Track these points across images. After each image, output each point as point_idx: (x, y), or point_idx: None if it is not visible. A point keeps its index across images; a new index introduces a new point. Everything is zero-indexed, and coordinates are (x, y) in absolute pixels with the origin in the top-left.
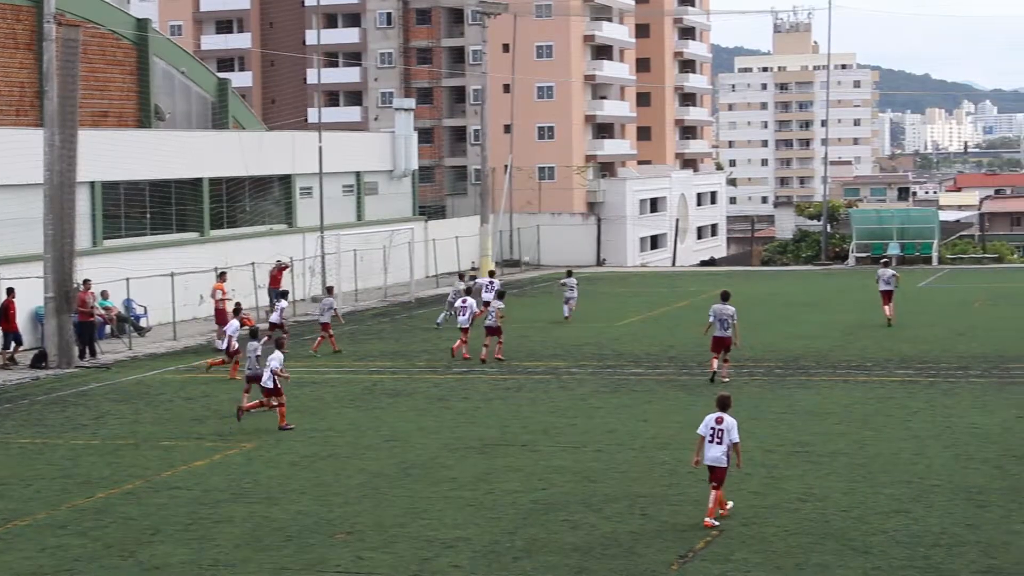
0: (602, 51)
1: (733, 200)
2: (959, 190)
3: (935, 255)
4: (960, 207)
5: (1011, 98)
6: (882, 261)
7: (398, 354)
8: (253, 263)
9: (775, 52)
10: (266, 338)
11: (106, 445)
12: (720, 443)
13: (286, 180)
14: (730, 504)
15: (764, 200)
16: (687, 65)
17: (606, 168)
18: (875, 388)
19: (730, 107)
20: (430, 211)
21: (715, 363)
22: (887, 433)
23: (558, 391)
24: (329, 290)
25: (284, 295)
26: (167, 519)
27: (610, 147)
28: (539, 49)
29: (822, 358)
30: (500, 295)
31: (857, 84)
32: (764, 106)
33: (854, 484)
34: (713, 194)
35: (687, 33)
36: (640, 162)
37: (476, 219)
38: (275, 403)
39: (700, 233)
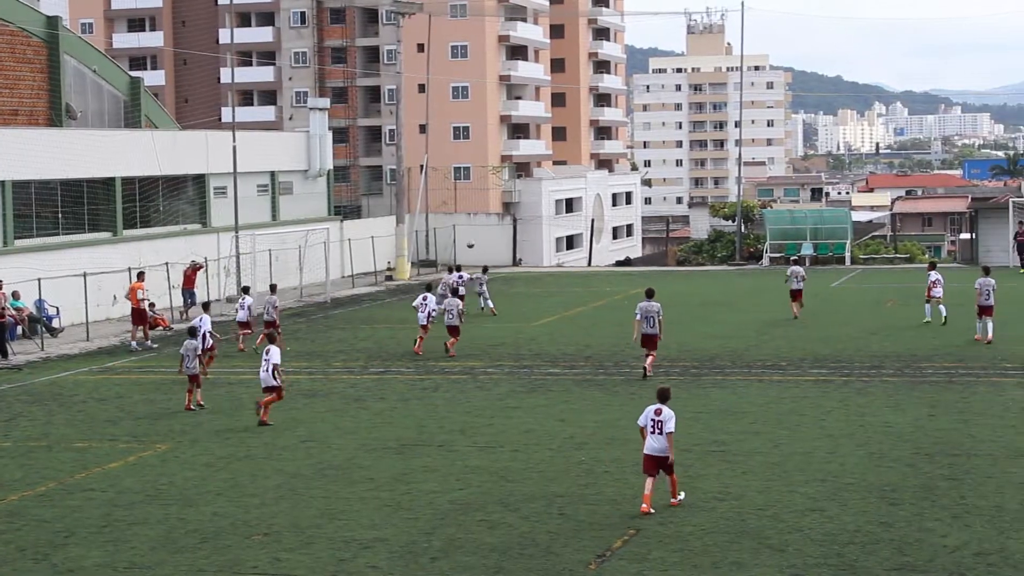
0: (517, 51)
1: (648, 200)
2: (871, 191)
3: (848, 255)
4: (872, 207)
5: (921, 100)
6: (792, 260)
7: (314, 354)
8: (167, 263)
9: (689, 53)
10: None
11: (18, 447)
12: (660, 433)
13: (200, 179)
14: (682, 495)
15: (679, 200)
16: (602, 66)
17: (522, 168)
18: (790, 387)
19: (645, 108)
20: (345, 211)
21: (650, 360)
22: (802, 432)
23: (475, 391)
24: (272, 288)
25: (247, 290)
26: (81, 521)
27: (525, 147)
28: (454, 49)
29: (737, 357)
30: (456, 292)
31: (770, 85)
32: (678, 107)
33: (770, 483)
34: (628, 194)
35: (601, 34)
36: (555, 162)
37: (392, 219)
38: (271, 398)
39: (615, 233)
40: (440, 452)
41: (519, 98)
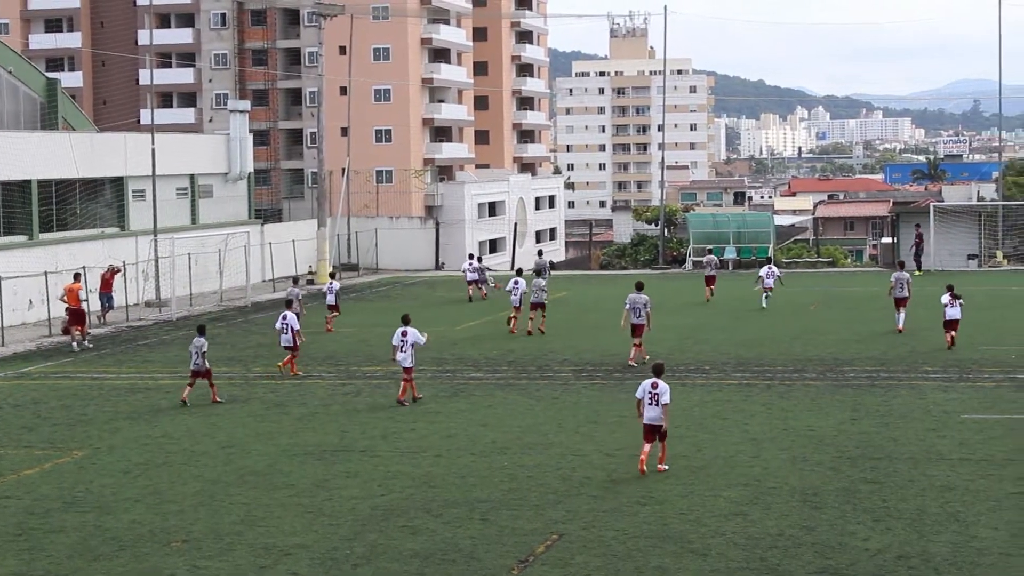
0: (440, 54)
1: (571, 204)
2: (794, 195)
3: (771, 258)
4: (795, 211)
5: (843, 104)
6: (708, 248)
7: (234, 359)
8: (84, 267)
9: (612, 57)
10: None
11: None
12: (656, 405)
13: (118, 182)
14: (666, 467)
15: (602, 204)
16: (525, 69)
17: (444, 172)
18: (712, 391)
19: (568, 111)
20: (266, 214)
21: (634, 351)
22: (725, 436)
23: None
24: (295, 280)
25: (333, 276)
26: None
27: (448, 151)
28: (376, 51)
29: (645, 368)
30: (539, 272)
31: (693, 89)
32: (601, 110)
33: (692, 487)
34: (551, 198)
35: (524, 37)
36: (478, 166)
37: (313, 222)
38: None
39: (539, 237)
40: (362, 458)
41: (442, 101)
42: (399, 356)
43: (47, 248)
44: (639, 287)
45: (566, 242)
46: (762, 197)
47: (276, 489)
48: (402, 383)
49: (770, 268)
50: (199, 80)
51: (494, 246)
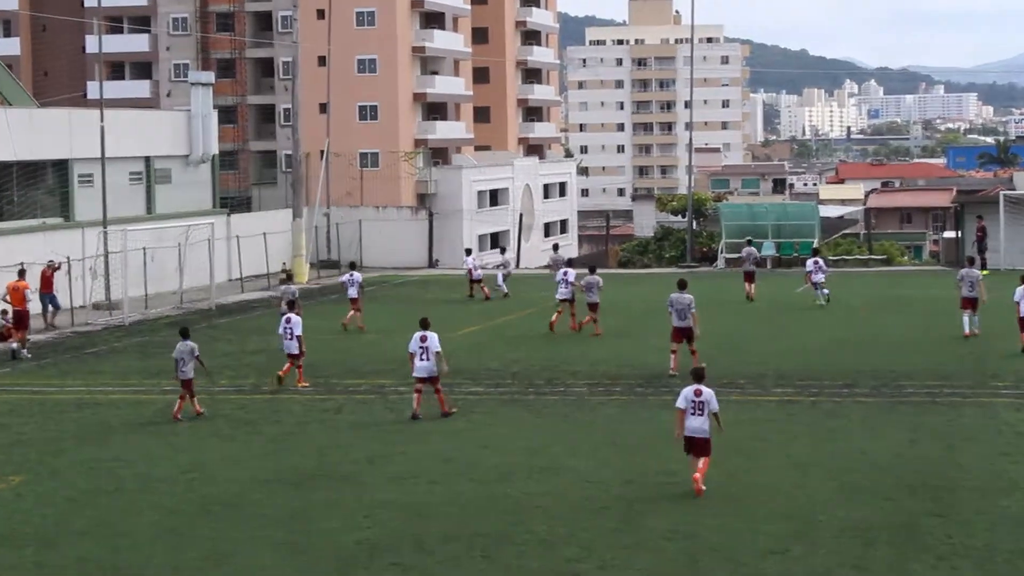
0: (432, 19)
1: (585, 192)
2: (842, 182)
3: (817, 250)
4: (843, 201)
5: (898, 78)
6: (747, 239)
7: (197, 371)
8: (21, 264)
9: (631, 23)
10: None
11: None
12: (701, 414)
13: (62, 166)
14: (703, 487)
15: (621, 192)
16: (531, 36)
17: (438, 155)
18: (749, 409)
19: (580, 85)
20: (233, 203)
21: (673, 357)
22: (764, 461)
23: (385, 413)
24: (352, 265)
25: (353, 266)
26: None
27: (443, 130)
28: (360, 16)
29: (688, 374)
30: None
31: (725, 60)
32: (620, 84)
33: (726, 520)
34: (562, 185)
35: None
36: (478, 148)
37: (288, 213)
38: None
39: (548, 230)
40: (344, 484)
41: (435, 73)
42: (418, 365)
43: None
44: (682, 286)
45: (579, 236)
46: (805, 185)
47: (245, 521)
48: (415, 396)
49: (817, 260)
50: (155, 48)
51: (496, 240)
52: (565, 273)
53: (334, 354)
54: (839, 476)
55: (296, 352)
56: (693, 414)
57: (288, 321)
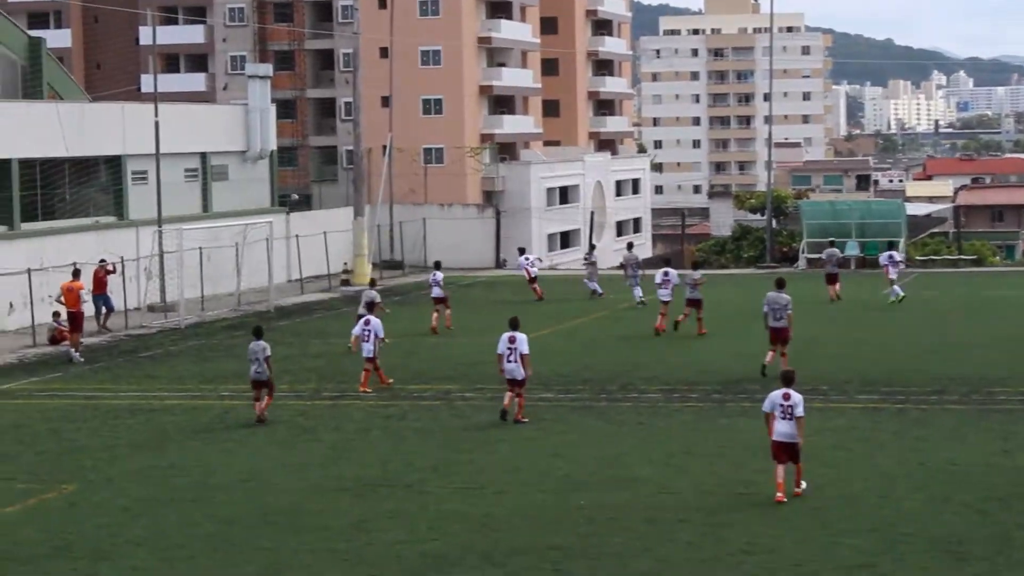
0: (499, 8)
1: (659, 189)
2: (929, 178)
3: (902, 256)
4: (931, 198)
5: (989, 68)
6: (829, 240)
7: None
8: (75, 263)
9: (707, 11)
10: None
11: None
12: (790, 419)
13: (115, 162)
14: (804, 485)
15: (697, 190)
16: (602, 26)
17: (506, 150)
18: (832, 417)
19: (654, 77)
20: (292, 201)
21: (771, 355)
22: (848, 471)
23: (451, 420)
24: (437, 264)
25: (438, 265)
26: None
27: (510, 125)
28: (423, 5)
29: (768, 380)
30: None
31: (806, 51)
32: (695, 76)
33: (808, 533)
34: (635, 182)
35: None
36: (547, 143)
37: (348, 211)
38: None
39: (620, 229)
40: (408, 494)
41: (502, 65)
42: (506, 366)
43: (30, 241)
44: (780, 284)
45: (653, 235)
46: (891, 181)
47: (305, 531)
48: (507, 395)
49: (891, 255)
50: (211, 39)
51: (566, 240)
52: (666, 273)
53: (398, 358)
54: (927, 487)
55: (372, 355)
56: (782, 418)
57: (367, 323)
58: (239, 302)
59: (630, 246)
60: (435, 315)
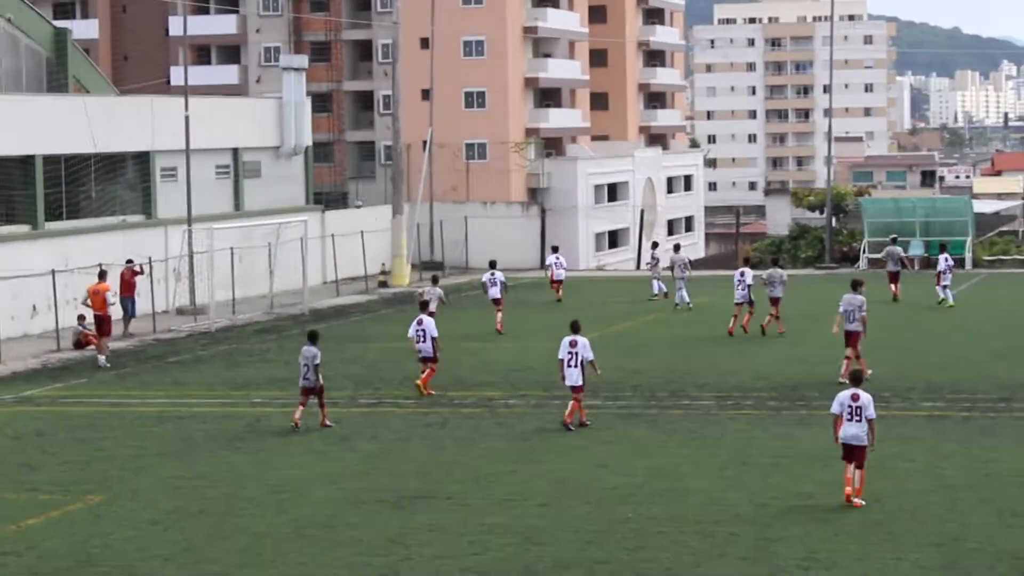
0: None
1: (713, 186)
2: (998, 174)
3: (969, 256)
4: (1000, 195)
5: None
6: (891, 237)
7: (288, 382)
8: (100, 264)
9: None
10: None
11: None
12: (859, 420)
13: (143, 159)
14: (861, 501)
15: (752, 186)
16: (653, 15)
17: (552, 145)
18: (895, 425)
19: (708, 68)
20: (328, 199)
21: (847, 363)
22: (911, 483)
23: (493, 428)
24: (434, 279)
25: (494, 264)
26: None
27: (557, 118)
28: None
29: (827, 386)
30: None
31: (869, 40)
32: (751, 67)
33: (869, 547)
34: (688, 178)
35: None
36: (595, 138)
37: (387, 209)
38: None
39: (672, 228)
40: (449, 507)
41: (548, 56)
42: (567, 372)
43: (55, 241)
44: (856, 286)
45: (706, 234)
46: (957, 177)
47: (340, 545)
48: (570, 403)
49: (946, 258)
50: (244, 30)
51: (615, 239)
52: (742, 273)
53: (439, 364)
54: (994, 500)
55: (431, 355)
56: (850, 420)
57: (420, 323)
58: (272, 305)
59: (677, 247)
60: (499, 315)
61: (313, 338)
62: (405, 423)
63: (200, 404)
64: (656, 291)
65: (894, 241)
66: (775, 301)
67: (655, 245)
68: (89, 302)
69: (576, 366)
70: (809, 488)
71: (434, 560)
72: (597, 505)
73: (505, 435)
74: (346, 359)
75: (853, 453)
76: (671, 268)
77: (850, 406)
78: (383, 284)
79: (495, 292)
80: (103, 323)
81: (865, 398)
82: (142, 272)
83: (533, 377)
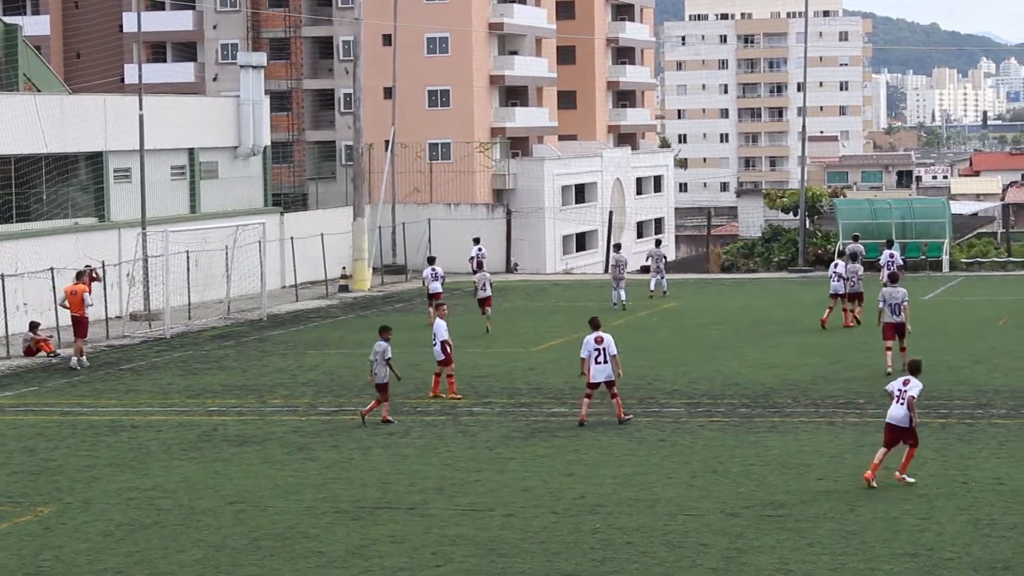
0: None
1: (684, 187)
2: (976, 174)
3: (946, 258)
4: (978, 196)
5: None
6: (852, 236)
7: (246, 389)
8: (52, 268)
9: None
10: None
11: None
12: (902, 403)
13: (96, 159)
14: (910, 479)
15: (724, 187)
16: (623, 10)
17: (518, 145)
18: (869, 432)
19: (679, 66)
20: (287, 200)
21: (889, 355)
22: (885, 491)
23: (456, 437)
24: (431, 260)
25: (432, 260)
26: None
27: (523, 117)
28: None
29: (801, 393)
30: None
31: (844, 36)
32: (723, 65)
33: (843, 558)
34: (657, 179)
35: None
36: (562, 137)
37: (348, 211)
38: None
39: (641, 230)
40: (411, 517)
41: (515, 53)
42: (594, 369)
43: (4, 244)
44: (894, 279)
45: (676, 236)
46: (935, 178)
47: (299, 558)
48: (585, 403)
49: (892, 254)
50: (200, 26)
51: (583, 242)
52: (836, 266)
53: (400, 370)
54: (971, 508)
55: (442, 358)
56: (896, 402)
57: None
58: (229, 310)
59: (617, 247)
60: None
61: (383, 332)
62: (366, 431)
63: (155, 412)
64: (615, 300)
65: (856, 239)
66: (857, 297)
67: (658, 244)
68: (67, 303)
69: (605, 362)
70: (781, 497)
71: (396, 572)
72: (564, 515)
73: (469, 443)
74: (305, 366)
75: (893, 433)
76: (614, 266)
77: (900, 389)
78: (344, 288)
79: (436, 287)
80: (79, 324)
81: (915, 383)
82: (99, 278)
83: (497, 385)
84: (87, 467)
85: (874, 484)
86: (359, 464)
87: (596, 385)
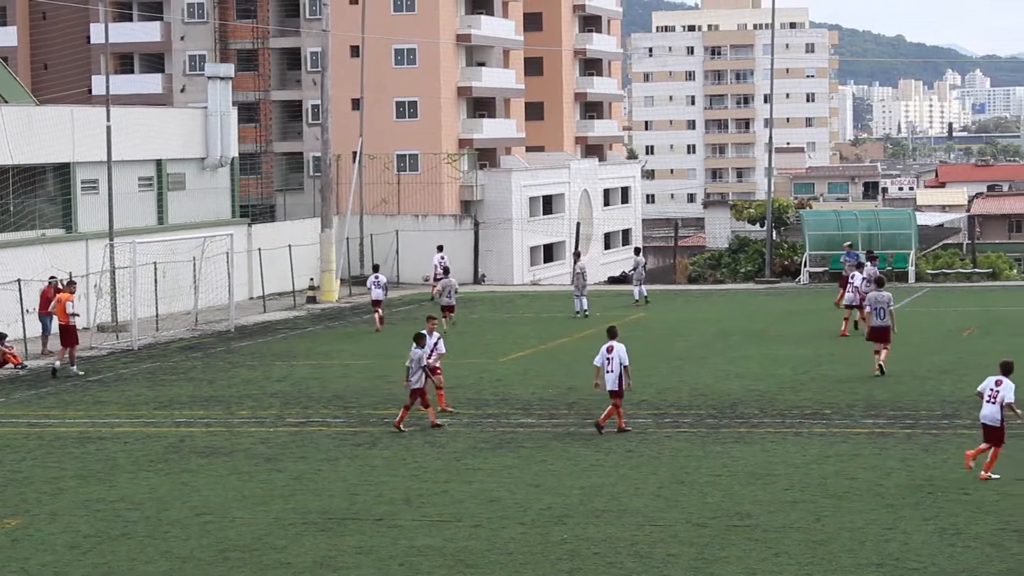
0: (479, 3)
1: (651, 198)
2: (942, 186)
3: (912, 269)
4: (944, 207)
5: (1007, 67)
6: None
7: (213, 400)
8: (19, 280)
9: (704, 6)
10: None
11: None
12: (994, 403)
13: (63, 171)
14: (993, 475)
15: (691, 199)
16: (590, 22)
17: (485, 157)
18: (836, 442)
19: (646, 77)
20: (255, 212)
21: (876, 357)
22: (852, 501)
23: (423, 448)
24: (376, 268)
25: (377, 268)
26: None
27: (491, 129)
28: (397, 1)
29: (767, 403)
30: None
31: (810, 48)
32: (691, 76)
33: (809, 567)
34: (625, 190)
35: None
36: (530, 149)
37: (316, 222)
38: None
39: (608, 241)
40: (378, 528)
41: (482, 64)
42: (606, 378)
43: None
44: (880, 283)
45: (644, 247)
46: (900, 189)
47: (267, 569)
48: (608, 407)
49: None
50: (168, 38)
51: (550, 253)
52: (853, 277)
53: (368, 381)
54: (937, 518)
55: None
56: (988, 402)
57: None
58: (196, 321)
59: (577, 255)
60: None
61: (419, 339)
62: (333, 442)
63: (122, 424)
64: (578, 308)
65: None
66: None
67: (638, 251)
68: (54, 311)
69: (614, 371)
70: (747, 508)
71: None
72: (531, 526)
73: (436, 454)
74: (273, 377)
75: (986, 432)
76: (576, 275)
77: (992, 389)
78: (311, 300)
79: (378, 294)
80: (67, 333)
81: (1008, 384)
82: (70, 288)
83: (466, 395)
84: (54, 479)
85: (971, 465)
86: (327, 475)
87: (614, 393)
